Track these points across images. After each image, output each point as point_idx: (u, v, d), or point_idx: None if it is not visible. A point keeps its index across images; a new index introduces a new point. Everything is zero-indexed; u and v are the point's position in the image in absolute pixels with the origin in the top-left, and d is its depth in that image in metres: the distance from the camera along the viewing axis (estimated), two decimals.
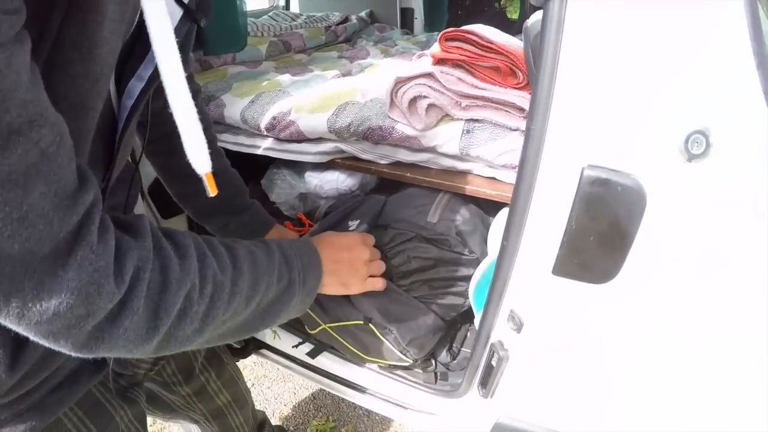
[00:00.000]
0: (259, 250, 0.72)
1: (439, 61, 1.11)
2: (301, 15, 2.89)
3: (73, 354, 0.49)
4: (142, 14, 0.50)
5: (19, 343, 0.56)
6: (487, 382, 1.00)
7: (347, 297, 1.12)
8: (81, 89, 0.50)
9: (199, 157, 0.57)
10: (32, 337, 0.46)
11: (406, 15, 3.30)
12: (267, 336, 1.53)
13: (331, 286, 0.91)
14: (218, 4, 1.72)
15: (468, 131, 1.08)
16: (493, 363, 0.95)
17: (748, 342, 0.69)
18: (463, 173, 1.14)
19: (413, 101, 1.09)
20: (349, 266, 0.94)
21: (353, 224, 1.17)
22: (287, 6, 3.48)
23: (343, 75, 1.65)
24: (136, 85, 0.61)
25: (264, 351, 1.59)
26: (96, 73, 0.51)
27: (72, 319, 0.45)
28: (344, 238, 0.96)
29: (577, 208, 0.63)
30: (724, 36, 0.54)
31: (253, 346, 1.63)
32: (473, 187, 1.09)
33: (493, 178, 1.10)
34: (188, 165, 0.60)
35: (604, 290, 0.69)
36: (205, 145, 0.57)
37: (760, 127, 0.55)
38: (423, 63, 1.15)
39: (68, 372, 0.70)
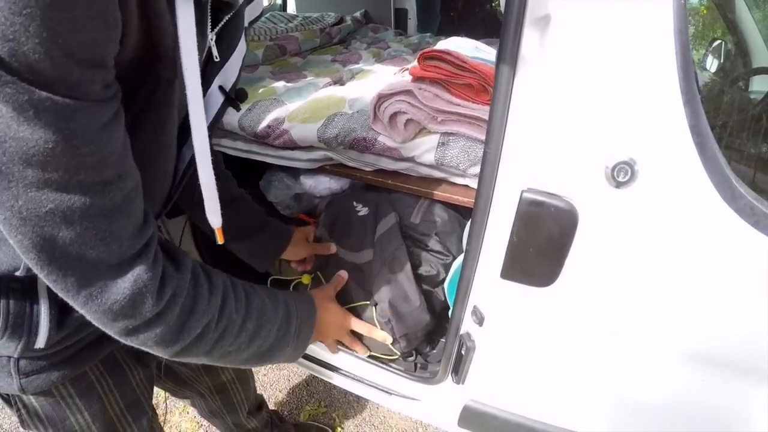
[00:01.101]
0: (269, 302, 0.88)
1: (418, 78, 1.22)
2: (298, 16, 2.98)
3: (113, 336, 0.65)
4: None
5: (67, 311, 0.73)
6: (458, 369, 1.13)
7: (362, 282, 1.31)
8: (152, 153, 0.67)
9: (214, 214, 0.75)
10: (89, 318, 0.61)
11: (400, 15, 3.40)
12: None
13: (319, 339, 1.20)
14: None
15: (443, 143, 1.20)
16: (462, 352, 1.08)
17: (664, 337, 0.81)
18: (439, 181, 1.26)
19: (394, 116, 1.21)
20: (337, 330, 1.22)
21: (359, 207, 1.33)
22: (284, 7, 3.57)
23: (335, 82, 1.76)
24: (186, 153, 0.78)
25: None
26: (164, 143, 0.68)
27: (120, 315, 0.61)
28: (339, 311, 1.23)
29: (518, 224, 0.75)
30: (654, 76, 0.65)
31: None
32: (448, 194, 1.21)
33: (466, 186, 1.22)
34: None
35: (547, 292, 0.82)
36: (218, 205, 0.74)
37: (685, 159, 0.67)
38: (404, 80, 1.26)
39: (96, 336, 0.87)
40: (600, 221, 0.74)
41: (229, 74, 0.79)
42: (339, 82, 1.78)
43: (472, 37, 2.98)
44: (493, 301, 0.93)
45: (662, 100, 0.65)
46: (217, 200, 0.74)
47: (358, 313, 1.30)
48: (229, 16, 0.72)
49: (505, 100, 0.73)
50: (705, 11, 1.61)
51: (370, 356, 1.33)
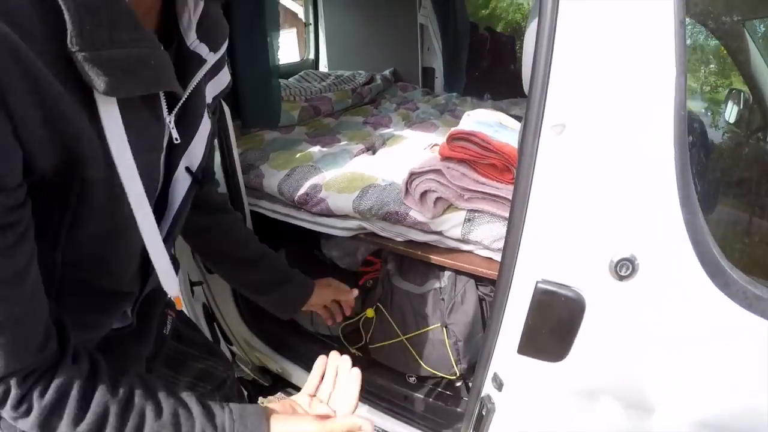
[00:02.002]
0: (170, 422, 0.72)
1: (447, 158, 1.35)
2: (330, 75, 3.17)
3: None
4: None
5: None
6: (479, 428, 1.23)
7: (427, 309, 1.53)
8: (105, 241, 0.71)
9: (170, 286, 0.79)
10: None
11: (428, 74, 3.58)
12: (293, 377, 1.79)
13: None
14: (257, 84, 2.01)
15: (469, 220, 1.32)
16: (483, 413, 1.18)
17: (667, 407, 0.92)
18: (465, 253, 1.38)
19: (424, 194, 1.34)
20: None
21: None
22: (316, 64, 3.78)
23: (367, 148, 1.91)
24: (163, 226, 0.81)
25: (291, 390, 1.85)
26: (118, 230, 0.71)
27: None
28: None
29: (532, 309, 0.87)
30: (654, 181, 0.76)
31: (281, 384, 1.90)
32: (473, 267, 1.33)
33: (490, 258, 1.34)
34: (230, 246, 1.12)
35: (559, 366, 0.92)
36: (174, 278, 0.79)
37: (681, 255, 0.78)
38: (434, 158, 1.39)
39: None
40: (605, 309, 0.85)
41: (194, 154, 0.81)
42: (371, 149, 1.92)
43: (496, 95, 3.16)
44: (511, 371, 1.04)
45: (661, 202, 0.76)
46: (173, 274, 0.78)
47: (427, 337, 1.52)
48: (183, 99, 0.74)
49: (523, 205, 0.85)
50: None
51: (432, 375, 1.56)
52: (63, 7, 0.50)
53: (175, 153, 0.78)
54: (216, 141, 1.57)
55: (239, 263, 1.25)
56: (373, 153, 1.89)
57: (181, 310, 1.29)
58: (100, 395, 0.66)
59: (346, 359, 0.98)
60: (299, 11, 3.88)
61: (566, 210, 0.83)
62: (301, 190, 1.57)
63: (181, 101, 0.74)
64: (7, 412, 0.61)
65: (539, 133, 0.81)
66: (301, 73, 3.16)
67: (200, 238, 1.23)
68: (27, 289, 0.59)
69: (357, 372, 0.95)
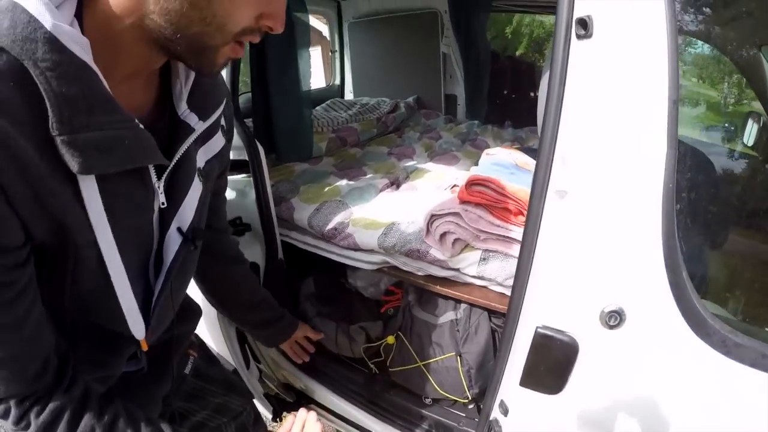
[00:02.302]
0: None
1: (465, 201, 1.48)
2: (356, 104, 3.33)
3: None
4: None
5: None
6: None
7: (443, 339, 1.69)
8: (101, 293, 0.79)
9: (137, 330, 0.86)
10: None
11: (450, 101, 3.72)
12: (316, 394, 1.93)
13: None
14: (291, 118, 2.17)
15: (484, 259, 1.45)
16: None
17: None
18: (480, 288, 1.51)
19: (443, 235, 1.48)
20: None
21: None
22: (342, 90, 3.94)
23: (391, 182, 2.05)
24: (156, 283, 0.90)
25: (314, 406, 1.99)
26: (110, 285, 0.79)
27: None
28: None
29: (532, 350, 1.00)
30: (641, 245, 0.88)
31: (305, 401, 2.04)
32: (486, 301, 1.46)
33: (502, 294, 1.47)
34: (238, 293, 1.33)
35: (556, 398, 1.05)
36: (141, 323, 0.86)
37: (665, 308, 0.90)
38: (453, 199, 1.53)
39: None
40: (596, 353, 0.97)
41: (184, 216, 0.86)
42: (395, 183, 2.06)
43: (516, 123, 3.28)
44: (515, 399, 1.16)
45: (648, 263, 0.88)
46: (140, 320, 0.85)
47: (443, 364, 1.66)
48: (171, 166, 0.80)
49: (528, 258, 0.99)
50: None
51: (445, 398, 1.71)
52: (45, 97, 0.57)
53: (167, 215, 0.84)
54: (251, 174, 1.72)
55: (243, 306, 1.47)
56: (397, 187, 2.03)
57: (205, 347, 1.42)
58: (87, 418, 0.77)
59: (312, 415, 1.05)
60: (324, 29, 4.03)
61: (565, 264, 0.95)
62: (330, 225, 1.72)
63: (169, 168, 0.80)
64: (9, 426, 0.74)
65: (545, 197, 0.94)
66: (328, 102, 3.32)
67: (212, 284, 1.37)
68: (25, 333, 0.70)
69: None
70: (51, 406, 0.75)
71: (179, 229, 0.86)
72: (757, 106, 1.84)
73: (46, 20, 0.57)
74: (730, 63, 1.84)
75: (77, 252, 0.71)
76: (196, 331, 1.31)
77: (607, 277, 0.92)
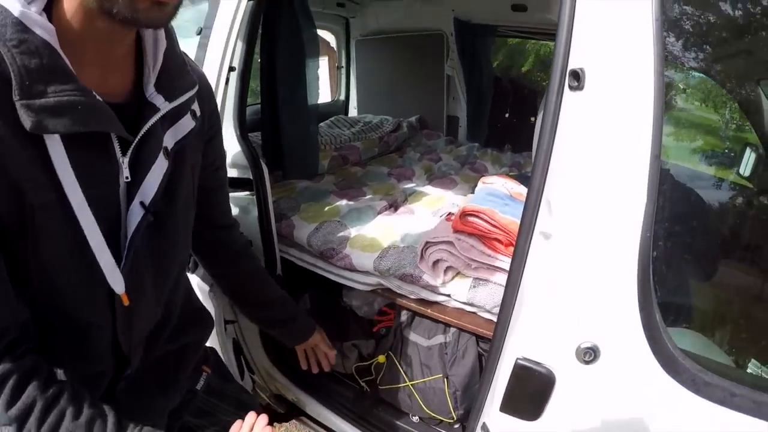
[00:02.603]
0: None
1: (458, 231, 1.56)
2: (359, 121, 3.41)
3: None
4: None
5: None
6: None
7: (432, 361, 1.76)
8: (66, 254, 0.84)
9: (116, 283, 0.88)
10: None
11: (452, 122, 3.81)
12: (307, 407, 2.00)
13: None
14: (300, 141, 2.25)
15: (474, 286, 1.52)
16: None
17: None
18: (470, 313, 1.58)
19: (436, 262, 1.55)
20: None
21: None
22: (346, 105, 4.03)
23: (390, 205, 2.12)
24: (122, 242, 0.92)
25: (304, 418, 2.06)
26: (73, 246, 0.83)
27: None
28: None
29: (512, 379, 1.07)
30: (618, 289, 0.95)
31: (296, 413, 2.10)
32: (474, 326, 1.53)
33: (490, 320, 1.54)
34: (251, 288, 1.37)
35: (534, 425, 1.11)
36: (119, 274, 0.87)
37: (638, 347, 0.97)
38: (447, 227, 1.60)
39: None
40: (572, 386, 1.04)
41: (146, 190, 0.90)
42: (394, 205, 2.14)
43: (516, 146, 3.36)
44: (496, 423, 1.22)
45: (623, 306, 0.95)
46: (119, 275, 0.87)
47: (430, 385, 1.73)
48: (135, 142, 0.86)
49: (513, 294, 1.06)
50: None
51: (431, 418, 1.78)
52: (9, 69, 0.69)
53: (131, 189, 0.89)
54: (254, 193, 1.79)
55: (252, 303, 1.51)
56: (395, 210, 2.11)
57: (221, 363, 1.48)
58: (31, 389, 0.81)
59: (261, 419, 1.04)
60: (332, 40, 4.12)
61: (546, 300, 1.03)
62: (328, 245, 1.79)
63: (133, 144, 0.86)
64: None
65: (531, 237, 1.02)
66: (333, 119, 3.41)
67: (222, 280, 1.45)
68: None
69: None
70: None
71: (142, 204, 0.90)
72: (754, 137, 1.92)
73: (15, 9, 0.71)
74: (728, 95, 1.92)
75: (34, 215, 0.77)
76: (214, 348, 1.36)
77: (584, 316, 1.00)
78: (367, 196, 2.25)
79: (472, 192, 2.25)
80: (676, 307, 1.19)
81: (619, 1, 0.91)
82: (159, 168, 0.92)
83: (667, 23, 0.94)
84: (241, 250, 1.40)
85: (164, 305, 1.09)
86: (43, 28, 0.73)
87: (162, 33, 0.92)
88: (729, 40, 1.25)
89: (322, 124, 3.31)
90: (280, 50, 2.15)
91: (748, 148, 2.01)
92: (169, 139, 0.95)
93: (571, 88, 0.96)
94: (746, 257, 1.38)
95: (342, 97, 4.16)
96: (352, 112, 4.16)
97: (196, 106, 1.03)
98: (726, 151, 1.79)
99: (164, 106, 0.90)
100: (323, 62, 4.35)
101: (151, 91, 0.90)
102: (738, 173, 1.94)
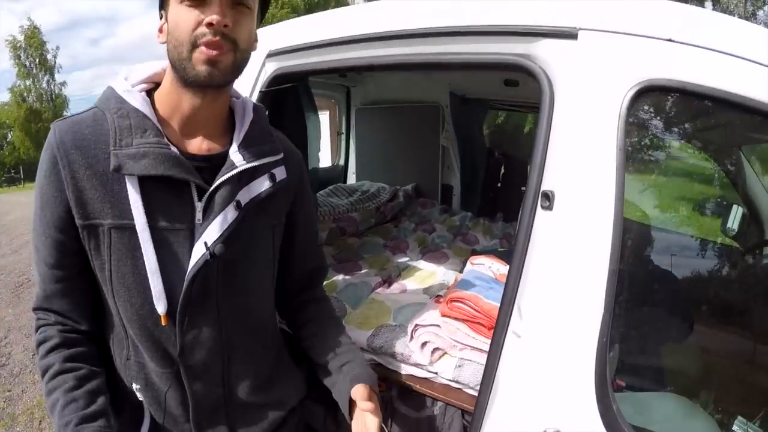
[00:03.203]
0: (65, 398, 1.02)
1: (445, 315, 1.72)
2: (357, 190, 3.61)
3: None
4: None
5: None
6: None
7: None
8: (131, 273, 1.04)
9: (159, 303, 1.03)
10: None
11: (446, 191, 4.01)
12: None
13: None
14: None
15: (459, 366, 1.68)
16: None
17: None
18: (456, 389, 1.73)
19: (425, 343, 1.71)
20: None
21: None
22: (345, 170, 4.23)
23: (384, 281, 2.29)
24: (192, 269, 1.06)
25: None
26: (140, 265, 1.03)
27: None
28: None
29: None
30: (578, 383, 1.11)
31: None
32: (459, 402, 1.68)
33: (474, 396, 1.68)
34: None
35: None
36: (164, 296, 1.03)
37: None
38: (435, 311, 1.77)
39: None
40: None
41: (211, 233, 1.04)
42: (388, 281, 2.31)
43: (508, 215, 3.54)
44: None
45: (582, 395, 1.11)
46: (164, 296, 1.02)
47: None
48: (208, 193, 1.04)
49: (488, 383, 1.22)
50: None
51: None
52: (109, 128, 0.99)
53: (199, 228, 1.05)
54: None
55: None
56: (389, 286, 2.28)
57: None
58: (55, 355, 1.05)
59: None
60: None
61: (518, 390, 1.19)
62: None
63: (208, 191, 1.05)
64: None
65: (504, 335, 1.19)
66: (331, 188, 3.60)
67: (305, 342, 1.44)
68: (69, 282, 1.06)
69: None
70: (43, 332, 1.08)
71: (205, 243, 1.04)
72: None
73: (119, 88, 1.04)
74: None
75: (111, 236, 1.00)
76: None
77: (549, 404, 1.15)
78: (363, 271, 2.42)
79: (463, 266, 2.43)
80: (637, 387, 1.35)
81: (587, 133, 1.10)
82: (228, 216, 1.06)
83: (629, 154, 1.13)
84: (326, 321, 1.43)
85: (245, 355, 1.19)
86: (136, 99, 1.03)
87: (250, 108, 1.18)
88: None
89: (321, 192, 3.51)
90: (284, 130, 2.33)
91: (732, 210, 2.20)
92: (244, 194, 1.10)
93: (542, 207, 1.14)
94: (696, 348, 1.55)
95: (342, 162, 4.37)
96: (351, 177, 4.36)
97: (280, 172, 1.18)
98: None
99: (241, 164, 1.08)
100: (324, 116, 4.55)
101: (233, 151, 1.09)
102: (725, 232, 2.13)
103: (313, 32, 1.66)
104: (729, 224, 2.18)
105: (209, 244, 1.03)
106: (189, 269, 1.03)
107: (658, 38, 1.08)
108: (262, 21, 1.15)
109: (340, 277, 2.32)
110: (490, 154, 4.41)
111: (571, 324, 1.11)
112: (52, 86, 35.74)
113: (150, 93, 1.08)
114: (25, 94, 34.48)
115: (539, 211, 1.16)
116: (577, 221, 1.11)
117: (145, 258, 1.00)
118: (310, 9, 26.63)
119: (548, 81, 1.15)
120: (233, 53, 0.98)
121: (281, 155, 1.18)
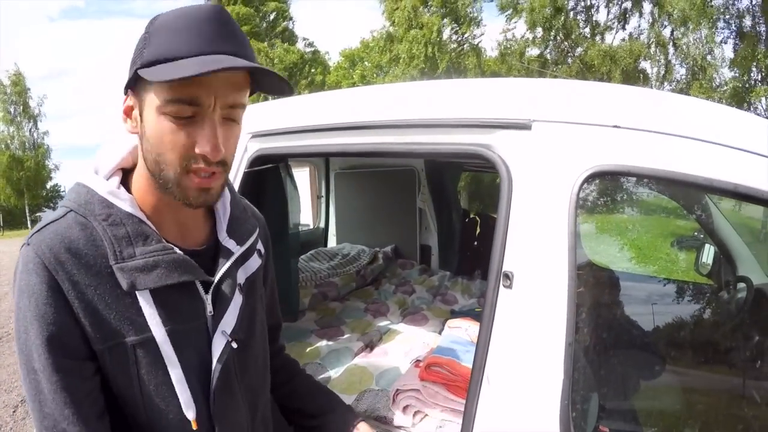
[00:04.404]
0: None
1: (425, 379, 1.83)
2: (337, 254, 3.73)
3: None
4: None
5: None
6: None
7: None
8: (156, 387, 0.95)
9: (187, 405, 0.95)
10: None
11: (425, 251, 4.15)
12: None
13: None
14: (281, 285, 2.52)
15: (440, 426, 1.78)
16: None
17: None
18: None
19: (406, 407, 1.81)
20: None
21: None
22: (325, 239, 4.37)
23: (366, 346, 2.40)
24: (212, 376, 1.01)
25: None
26: (167, 379, 0.95)
27: None
28: None
29: None
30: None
31: None
32: None
33: None
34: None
35: None
36: (192, 403, 0.96)
37: None
38: (415, 375, 1.88)
39: None
40: None
41: (227, 322, 1.01)
42: (369, 345, 2.41)
43: (484, 271, 3.66)
44: None
45: None
46: (192, 405, 0.95)
47: None
48: (215, 281, 1.00)
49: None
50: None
51: None
52: (102, 238, 0.88)
53: (214, 322, 1.00)
54: None
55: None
56: (371, 350, 2.38)
57: None
58: None
59: None
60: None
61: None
62: None
63: (214, 284, 1.00)
64: None
65: (476, 405, 1.29)
66: (312, 252, 3.72)
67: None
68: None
69: None
70: None
71: (224, 333, 1.01)
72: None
73: (100, 188, 0.92)
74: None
75: (136, 353, 0.91)
76: None
77: None
78: (345, 336, 2.53)
79: (442, 327, 2.55)
80: None
81: (542, 217, 1.23)
82: (236, 302, 1.04)
83: (579, 238, 1.27)
84: (296, 368, 1.45)
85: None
86: (124, 201, 0.92)
87: (225, 187, 1.08)
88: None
89: (303, 257, 3.62)
90: (266, 207, 2.46)
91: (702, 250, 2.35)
92: (242, 276, 1.09)
93: (504, 286, 1.27)
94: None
95: (322, 224, 4.50)
96: (332, 239, 4.49)
97: (260, 245, 1.18)
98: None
99: (236, 249, 1.06)
100: (304, 173, 4.67)
101: (224, 237, 1.07)
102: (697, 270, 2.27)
103: (293, 117, 1.81)
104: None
105: (229, 333, 1.02)
106: (214, 365, 1.00)
107: (604, 125, 1.22)
108: None
109: (323, 343, 2.42)
110: (466, 214, 4.58)
111: (534, 389, 1.21)
112: (35, 135, 35.60)
113: (123, 179, 0.99)
114: (8, 141, 34.16)
115: (501, 290, 1.28)
116: (534, 299, 1.22)
117: (169, 368, 0.94)
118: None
119: (506, 168, 1.29)
120: (224, 174, 0.94)
121: (258, 228, 1.18)
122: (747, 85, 15.63)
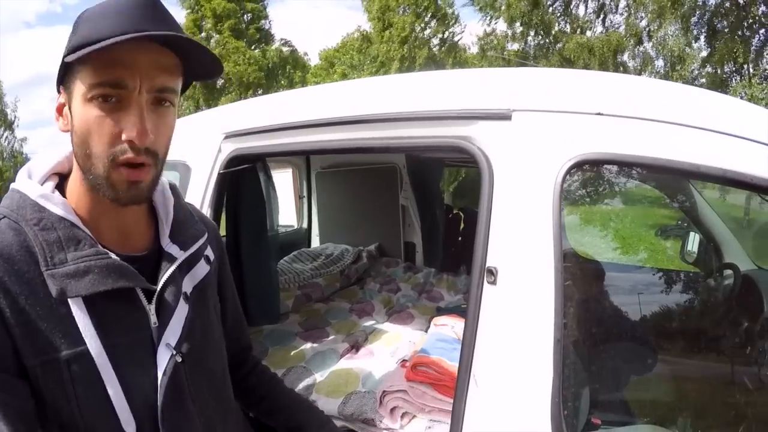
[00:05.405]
0: None
1: (411, 379, 1.80)
2: (320, 255, 3.68)
3: None
4: None
5: None
6: None
7: None
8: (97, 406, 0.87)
9: (128, 425, 0.88)
10: None
11: (409, 248, 4.11)
12: None
13: None
14: (261, 289, 2.48)
15: (429, 427, 1.74)
16: None
17: None
18: None
19: (393, 408, 1.77)
20: None
21: None
22: (309, 240, 4.32)
23: (351, 347, 2.36)
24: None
25: None
26: (107, 396, 0.87)
27: None
28: None
29: None
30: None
31: None
32: None
33: None
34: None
35: None
36: (132, 419, 0.89)
37: None
38: (401, 376, 1.84)
39: None
40: None
41: (171, 332, 0.95)
42: (355, 346, 2.37)
43: (469, 267, 3.63)
44: None
45: None
46: (131, 416, 0.88)
47: None
48: (158, 290, 0.94)
49: None
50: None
51: None
52: (34, 244, 0.83)
53: (158, 333, 0.94)
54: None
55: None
56: (357, 351, 2.34)
57: None
58: None
59: None
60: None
61: None
62: (296, 390, 2.00)
63: (156, 292, 0.95)
64: None
65: (464, 406, 1.25)
66: (295, 253, 3.67)
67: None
68: None
69: None
70: None
71: (168, 345, 0.95)
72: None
73: (32, 192, 0.88)
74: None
75: (70, 368, 0.84)
76: None
77: None
78: (330, 337, 2.49)
79: (428, 325, 2.52)
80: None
81: (525, 210, 1.20)
82: (182, 311, 0.99)
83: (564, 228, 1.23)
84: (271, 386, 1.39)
85: None
86: (57, 205, 0.88)
87: (168, 189, 1.07)
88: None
89: (285, 258, 3.57)
90: (243, 209, 2.39)
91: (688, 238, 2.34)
92: (188, 284, 1.03)
93: (488, 282, 1.23)
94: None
95: (305, 225, 4.45)
96: (315, 239, 4.44)
97: (209, 252, 1.13)
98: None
99: (180, 255, 1.01)
100: (287, 175, 4.61)
101: (167, 242, 1.01)
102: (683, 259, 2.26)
103: (268, 116, 1.77)
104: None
105: (173, 345, 0.96)
106: (160, 378, 0.94)
107: (587, 113, 1.19)
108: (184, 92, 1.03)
109: (308, 345, 2.38)
110: (449, 209, 4.55)
111: (523, 388, 1.18)
112: (12, 143, 34.93)
113: (59, 185, 0.95)
114: None
115: (485, 286, 1.24)
116: (520, 294, 1.19)
117: (106, 384, 0.87)
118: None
119: (486, 161, 1.26)
120: (155, 167, 0.89)
121: (206, 234, 1.13)
122: (722, 79, 15.75)
